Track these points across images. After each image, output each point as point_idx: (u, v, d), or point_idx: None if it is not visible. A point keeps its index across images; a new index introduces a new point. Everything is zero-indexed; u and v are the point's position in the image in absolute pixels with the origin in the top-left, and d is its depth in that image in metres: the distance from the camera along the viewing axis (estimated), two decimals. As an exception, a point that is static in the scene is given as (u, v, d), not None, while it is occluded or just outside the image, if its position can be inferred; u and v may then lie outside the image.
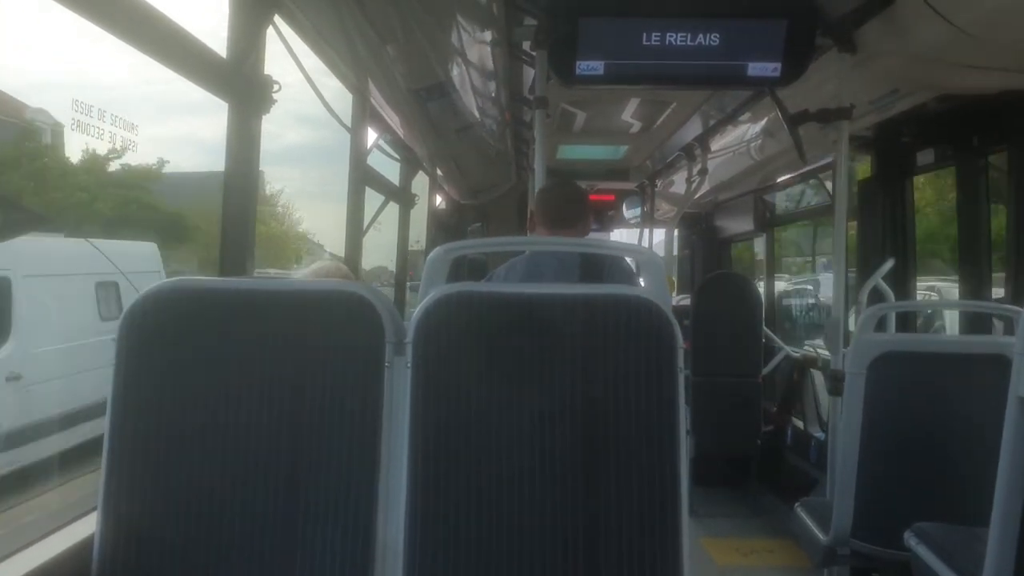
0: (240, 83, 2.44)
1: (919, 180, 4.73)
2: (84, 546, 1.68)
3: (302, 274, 2.75)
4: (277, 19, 2.64)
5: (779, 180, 6.49)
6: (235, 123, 2.50)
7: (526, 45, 4.01)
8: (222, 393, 1.64)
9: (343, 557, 1.59)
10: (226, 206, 2.56)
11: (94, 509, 1.64)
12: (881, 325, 3.57)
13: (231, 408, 1.63)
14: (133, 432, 1.62)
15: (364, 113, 3.93)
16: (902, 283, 4.47)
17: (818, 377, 5.71)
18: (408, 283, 5.91)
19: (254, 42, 2.50)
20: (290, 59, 2.83)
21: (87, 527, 1.73)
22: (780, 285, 8.66)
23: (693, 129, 5.80)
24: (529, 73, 4.59)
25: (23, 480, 7.68)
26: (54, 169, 16.19)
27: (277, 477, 1.62)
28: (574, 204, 3.04)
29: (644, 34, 3.34)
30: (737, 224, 7.95)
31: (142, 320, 1.65)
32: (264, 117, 2.58)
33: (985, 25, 2.77)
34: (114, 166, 17.46)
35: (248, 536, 1.60)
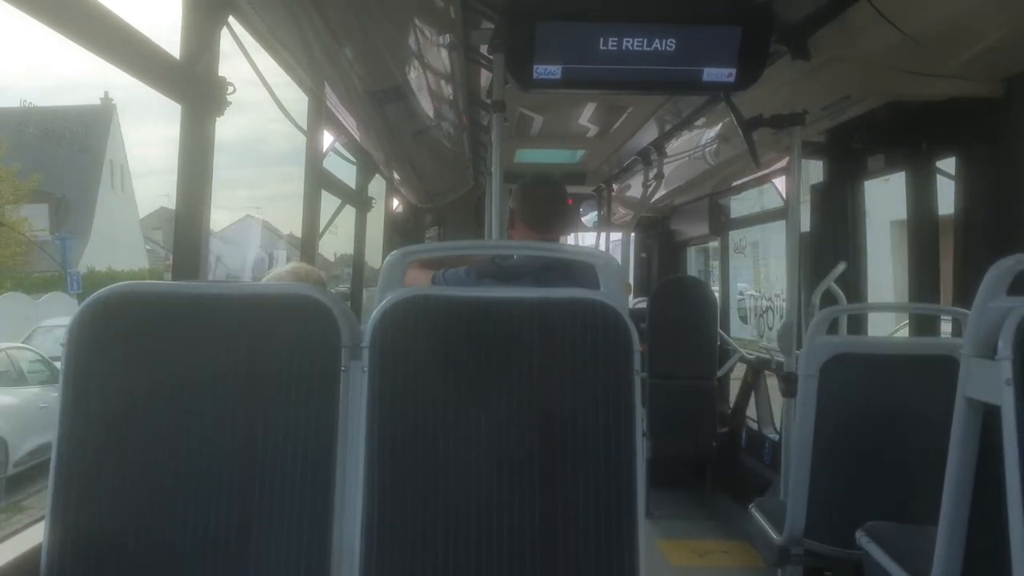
0: (193, 84, 2.41)
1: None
2: (31, 556, 1.64)
3: (274, 274, 2.74)
4: (231, 20, 2.61)
5: (734, 184, 6.56)
6: (188, 125, 2.46)
7: (483, 49, 4.00)
8: (174, 399, 1.61)
9: (298, 564, 1.58)
10: (179, 209, 2.52)
11: (42, 518, 1.61)
12: (833, 328, 3.63)
13: (183, 414, 1.61)
14: (83, 439, 1.59)
15: (320, 115, 3.91)
16: (854, 286, 4.53)
17: (772, 379, 5.77)
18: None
19: (208, 43, 2.47)
20: (245, 61, 2.81)
21: (35, 537, 1.69)
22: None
23: (649, 134, 5.84)
24: (486, 77, 4.58)
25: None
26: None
27: (231, 483, 1.59)
28: (556, 205, 3.06)
29: (601, 39, 3.35)
30: (693, 228, 8.01)
31: (91, 325, 1.62)
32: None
33: (934, 33, 2.83)
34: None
35: (201, 545, 1.58)
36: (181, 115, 2.44)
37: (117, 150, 30.65)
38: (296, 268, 2.66)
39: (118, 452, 1.60)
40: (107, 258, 25.85)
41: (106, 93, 30.82)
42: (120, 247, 27.75)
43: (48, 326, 16.88)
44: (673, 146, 5.96)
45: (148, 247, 32.94)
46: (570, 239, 8.77)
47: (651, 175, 6.41)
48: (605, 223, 8.02)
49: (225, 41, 2.58)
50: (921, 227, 4.09)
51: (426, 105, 4.53)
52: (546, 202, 3.05)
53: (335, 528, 1.60)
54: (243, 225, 34.70)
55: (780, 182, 5.68)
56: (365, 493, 1.61)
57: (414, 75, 4.00)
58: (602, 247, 7.76)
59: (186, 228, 2.52)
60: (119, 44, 2.01)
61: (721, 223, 7.30)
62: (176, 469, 1.59)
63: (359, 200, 5.58)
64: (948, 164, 3.86)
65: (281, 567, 1.58)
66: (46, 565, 1.55)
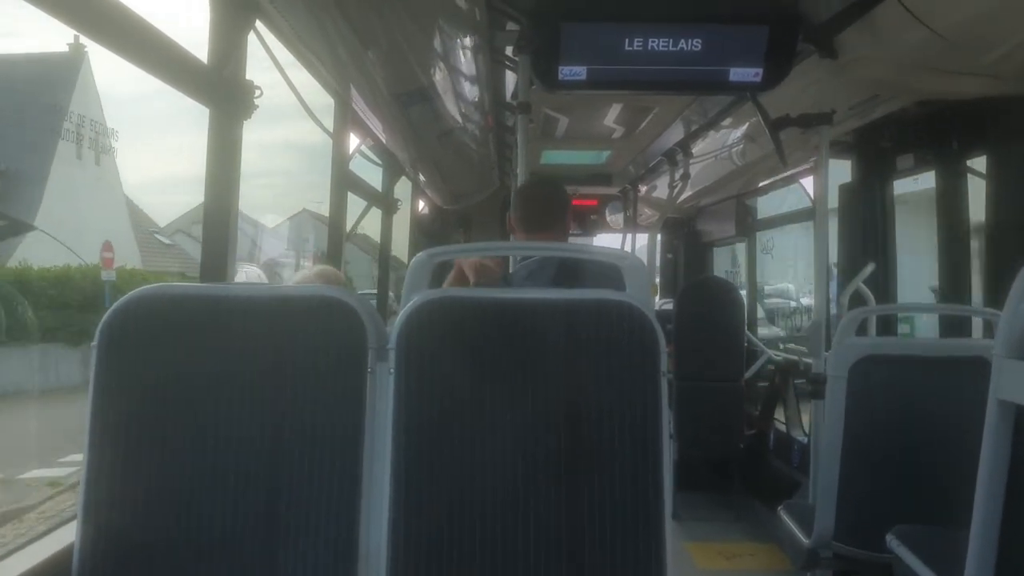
0: (221, 88, 2.43)
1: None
2: (64, 556, 1.66)
3: (300, 276, 2.76)
4: (258, 25, 2.63)
5: (761, 185, 6.53)
6: (216, 129, 2.48)
7: (509, 50, 4.01)
8: (202, 400, 1.63)
9: (325, 567, 1.58)
10: (207, 212, 2.55)
11: (74, 518, 1.62)
12: (862, 328, 3.59)
13: (211, 415, 1.62)
14: (113, 440, 1.60)
15: (345, 118, 3.92)
16: (883, 287, 4.49)
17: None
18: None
19: (235, 47, 2.49)
20: (272, 65, 2.83)
21: (67, 536, 1.71)
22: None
23: (675, 134, 5.82)
24: (512, 78, 4.59)
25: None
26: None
27: (258, 485, 1.60)
28: (551, 205, 2.88)
29: (627, 39, 3.34)
30: (719, 228, 7.98)
31: (121, 326, 1.63)
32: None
33: (964, 30, 2.79)
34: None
35: (229, 546, 1.59)
36: (209, 119, 2.47)
37: (88, 110, 23.62)
38: (322, 271, 2.68)
39: (147, 452, 1.61)
40: (61, 250, 17.36)
41: (76, 38, 22.89)
42: (88, 238, 19.26)
43: None
44: (699, 146, 5.93)
45: (168, 241, 29.65)
46: (596, 240, 8.78)
47: (677, 176, 6.38)
48: (631, 224, 8.00)
49: (252, 46, 2.61)
50: (952, 228, 4.04)
51: (451, 107, 4.54)
52: (538, 203, 2.88)
53: (362, 530, 1.60)
54: (299, 218, 37.79)
55: (808, 182, 5.65)
56: (392, 494, 1.61)
57: (439, 77, 4.01)
58: (628, 248, 7.74)
59: (214, 231, 2.54)
60: (148, 49, 2.04)
61: (748, 224, 7.27)
62: (204, 470, 1.61)
63: (385, 202, 5.60)
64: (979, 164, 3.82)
65: (308, 569, 1.58)
66: (78, 564, 1.57)
